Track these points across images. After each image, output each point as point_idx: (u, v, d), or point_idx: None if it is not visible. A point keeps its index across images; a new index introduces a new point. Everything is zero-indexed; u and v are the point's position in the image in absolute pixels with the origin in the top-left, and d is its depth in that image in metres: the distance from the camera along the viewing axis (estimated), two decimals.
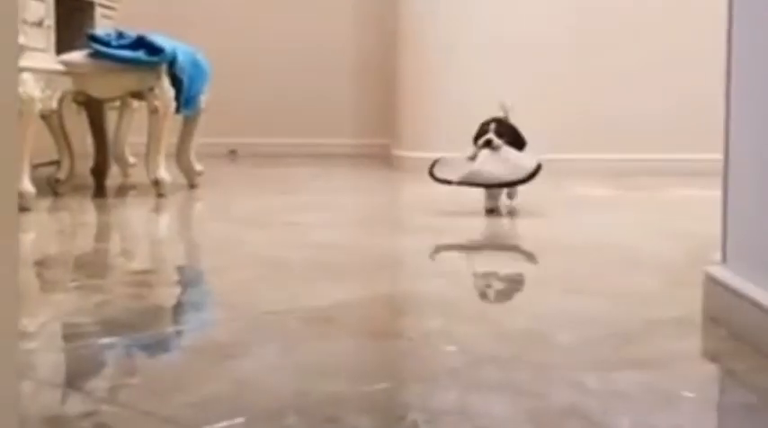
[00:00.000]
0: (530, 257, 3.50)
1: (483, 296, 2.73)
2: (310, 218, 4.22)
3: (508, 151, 4.35)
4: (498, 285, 2.88)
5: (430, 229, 3.91)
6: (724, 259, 2.24)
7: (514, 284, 2.92)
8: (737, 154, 2.15)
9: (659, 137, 6.58)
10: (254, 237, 3.67)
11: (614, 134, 6.56)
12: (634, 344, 2.08)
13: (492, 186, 4.31)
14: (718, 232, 2.27)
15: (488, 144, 4.34)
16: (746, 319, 1.99)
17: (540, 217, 4.40)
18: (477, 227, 4.09)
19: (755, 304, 1.96)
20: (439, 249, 3.53)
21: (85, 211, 4.63)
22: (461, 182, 4.26)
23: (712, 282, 2.22)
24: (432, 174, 4.35)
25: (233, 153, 7.80)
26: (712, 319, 2.20)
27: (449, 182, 4.30)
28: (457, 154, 4.46)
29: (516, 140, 4.41)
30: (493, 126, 4.39)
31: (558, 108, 6.59)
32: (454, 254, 3.52)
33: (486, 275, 3.01)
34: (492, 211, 4.38)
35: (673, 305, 2.48)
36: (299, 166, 6.87)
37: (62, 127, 5.05)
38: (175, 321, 2.40)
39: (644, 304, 2.50)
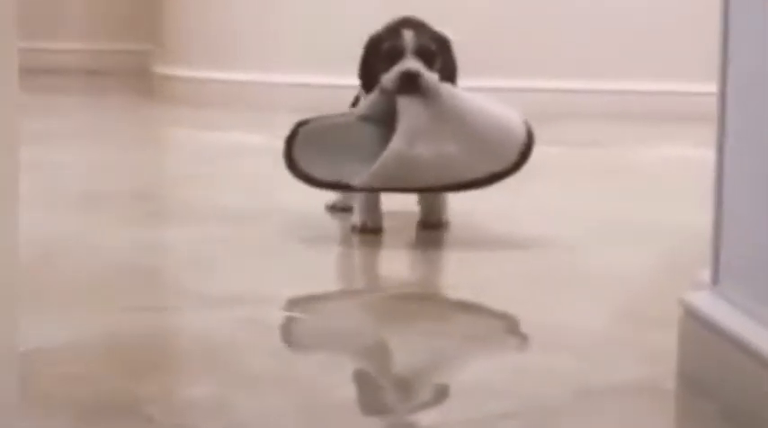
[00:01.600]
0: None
1: (288, 338, 1.90)
2: None
3: (456, 96, 2.33)
4: (321, 317, 2.00)
5: (221, 216, 2.64)
6: (715, 280, 1.73)
7: (350, 313, 2.04)
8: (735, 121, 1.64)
9: (627, 57, 4.31)
10: None
11: (551, 52, 4.25)
12: None
13: (443, 189, 2.37)
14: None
15: (410, 83, 2.28)
16: (750, 384, 1.56)
17: None
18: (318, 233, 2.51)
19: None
20: (236, 249, 2.40)
21: None
22: (372, 188, 2.30)
23: (694, 319, 1.74)
24: (293, 166, 2.32)
25: None
26: (692, 384, 1.76)
27: (341, 187, 2.36)
28: (337, 112, 2.44)
29: (448, 64, 2.40)
30: (410, 37, 2.31)
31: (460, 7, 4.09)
32: (261, 262, 2.33)
33: (299, 303, 2.07)
34: (370, 231, 2.37)
35: (625, 359, 1.83)
36: None
37: None
38: None
39: (577, 359, 1.83)
